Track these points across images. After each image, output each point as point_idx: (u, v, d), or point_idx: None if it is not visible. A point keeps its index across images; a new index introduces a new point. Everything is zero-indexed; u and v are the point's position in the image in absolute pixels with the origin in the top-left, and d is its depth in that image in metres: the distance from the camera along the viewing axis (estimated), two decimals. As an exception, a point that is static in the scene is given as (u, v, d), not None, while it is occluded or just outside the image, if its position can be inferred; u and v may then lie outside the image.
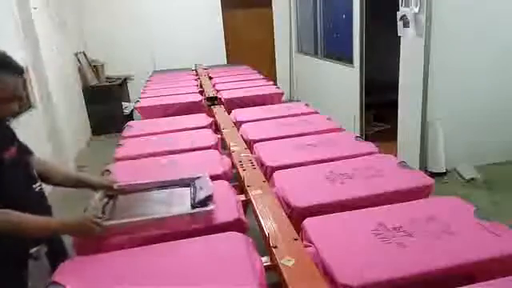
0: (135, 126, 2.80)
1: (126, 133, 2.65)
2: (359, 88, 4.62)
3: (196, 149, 2.23)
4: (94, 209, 1.45)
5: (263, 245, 1.39)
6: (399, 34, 3.71)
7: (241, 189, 1.83)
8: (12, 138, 1.45)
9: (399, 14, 3.64)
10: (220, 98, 3.48)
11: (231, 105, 3.31)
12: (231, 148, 2.26)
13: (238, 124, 2.74)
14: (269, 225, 1.42)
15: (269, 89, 3.81)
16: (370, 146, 2.13)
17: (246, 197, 1.71)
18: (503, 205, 3.14)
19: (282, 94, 3.72)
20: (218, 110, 3.23)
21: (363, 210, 1.48)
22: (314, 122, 2.65)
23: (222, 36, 6.87)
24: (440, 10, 3.36)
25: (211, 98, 3.48)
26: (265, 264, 1.25)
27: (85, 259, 1.27)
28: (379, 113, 5.18)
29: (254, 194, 1.67)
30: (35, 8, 4.09)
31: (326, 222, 1.40)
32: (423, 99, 3.58)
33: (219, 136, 2.50)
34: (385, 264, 1.15)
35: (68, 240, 1.42)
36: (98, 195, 1.56)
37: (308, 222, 1.39)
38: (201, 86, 4.13)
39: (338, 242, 1.28)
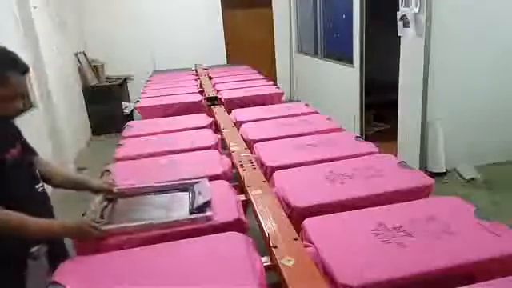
0: (135, 126, 2.80)
1: (125, 133, 2.65)
2: (359, 88, 4.62)
3: (196, 149, 2.23)
4: (93, 212, 1.45)
5: (263, 245, 1.39)
6: (399, 34, 3.71)
7: (241, 189, 1.83)
8: (17, 136, 1.46)
9: (399, 14, 3.64)
10: (220, 98, 3.48)
11: (231, 105, 3.31)
12: (231, 148, 2.26)
13: (238, 124, 2.74)
14: (269, 225, 1.42)
15: (269, 89, 3.81)
16: (369, 146, 2.13)
17: (246, 197, 1.71)
18: (503, 205, 3.14)
19: (282, 93, 3.73)
20: (218, 110, 3.23)
21: (363, 210, 1.48)
22: (314, 121, 2.65)
23: (221, 36, 6.87)
24: (440, 10, 3.36)
25: (211, 98, 3.47)
26: (265, 264, 1.25)
27: (85, 259, 1.27)
28: (379, 113, 5.17)
29: (253, 193, 1.67)
30: (35, 7, 4.09)
31: (326, 222, 1.40)
32: (423, 99, 3.58)
33: (219, 136, 2.50)
34: (385, 264, 1.15)
35: (68, 240, 1.42)
36: (97, 198, 1.56)
37: (308, 222, 1.39)
38: (201, 86, 4.13)
39: (338, 242, 1.28)
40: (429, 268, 1.13)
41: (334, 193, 1.61)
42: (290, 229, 1.39)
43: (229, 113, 3.09)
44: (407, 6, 3.52)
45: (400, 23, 3.65)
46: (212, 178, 1.76)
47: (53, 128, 4.26)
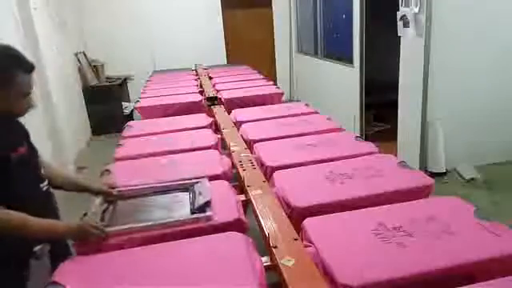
0: (135, 126, 2.80)
1: (125, 133, 2.65)
2: (359, 88, 4.62)
3: (196, 149, 2.23)
4: (93, 214, 1.46)
5: (263, 245, 1.39)
6: (399, 34, 3.71)
7: (241, 189, 1.83)
8: (23, 135, 1.46)
9: (399, 14, 3.64)
10: (220, 98, 3.48)
11: (231, 105, 3.31)
12: (231, 148, 2.26)
13: (238, 124, 2.74)
14: (269, 225, 1.42)
15: (269, 89, 3.81)
16: (370, 146, 2.13)
17: (246, 197, 1.72)
18: (503, 205, 3.14)
19: (282, 94, 3.73)
20: (218, 110, 3.23)
21: (363, 209, 1.48)
22: (314, 121, 2.65)
23: (221, 36, 6.87)
24: (440, 10, 3.36)
25: (211, 98, 3.47)
26: (265, 264, 1.25)
27: (85, 259, 1.27)
28: (379, 113, 5.17)
29: (253, 193, 1.67)
30: (35, 8, 4.09)
31: (326, 222, 1.40)
32: (423, 99, 3.58)
33: (219, 136, 2.50)
34: (385, 264, 1.15)
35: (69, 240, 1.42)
36: (97, 200, 1.56)
37: (308, 222, 1.39)
38: (201, 86, 4.13)
39: (338, 242, 1.28)
40: (429, 268, 1.13)
41: (333, 193, 1.61)
42: (290, 229, 1.39)
43: (229, 113, 3.09)
44: (407, 6, 3.52)
45: (400, 23, 3.65)
46: (212, 177, 1.76)
47: (53, 128, 4.26)
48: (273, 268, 1.26)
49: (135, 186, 1.72)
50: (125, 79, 6.48)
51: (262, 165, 2.00)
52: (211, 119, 2.88)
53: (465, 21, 3.48)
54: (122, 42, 6.41)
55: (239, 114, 2.93)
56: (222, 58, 6.83)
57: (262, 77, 4.52)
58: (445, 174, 3.70)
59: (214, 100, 3.45)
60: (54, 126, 4.29)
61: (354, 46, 4.64)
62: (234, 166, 2.04)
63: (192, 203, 1.53)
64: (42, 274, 1.34)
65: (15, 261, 1.35)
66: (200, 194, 1.55)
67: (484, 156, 3.79)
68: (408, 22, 3.54)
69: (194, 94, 3.66)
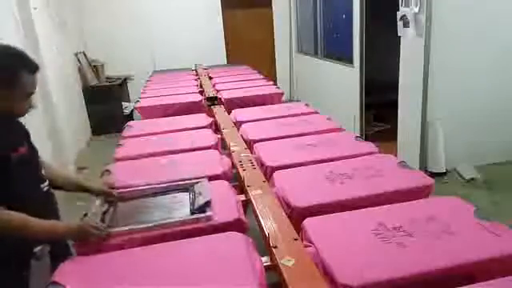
0: (135, 126, 2.80)
1: (125, 133, 2.65)
2: (359, 88, 4.62)
3: (196, 149, 2.23)
4: (93, 215, 1.45)
5: (263, 245, 1.39)
6: (399, 34, 3.71)
7: (241, 189, 1.83)
8: (23, 135, 1.46)
9: (399, 14, 3.64)
10: (220, 98, 3.48)
11: (231, 105, 3.31)
12: (231, 148, 2.26)
13: (238, 124, 2.74)
14: (269, 225, 1.42)
15: (269, 89, 3.81)
16: (369, 146, 2.12)
17: (246, 197, 1.71)
18: (503, 205, 3.14)
19: (282, 94, 3.72)
20: (218, 110, 3.23)
21: (363, 209, 1.48)
22: (314, 122, 2.65)
23: (221, 36, 6.87)
24: (440, 10, 3.36)
25: (211, 97, 3.47)
26: (265, 264, 1.25)
27: (85, 259, 1.27)
28: (379, 113, 5.18)
29: (253, 193, 1.67)
30: (35, 8, 4.09)
31: (326, 222, 1.40)
32: (423, 99, 3.58)
33: (219, 136, 2.50)
34: (385, 264, 1.15)
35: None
36: (97, 201, 1.56)
37: (308, 222, 1.39)
38: (201, 86, 4.13)
39: (338, 242, 1.28)
40: (429, 268, 1.13)
41: (333, 193, 1.61)
42: (290, 229, 1.39)
43: (229, 113, 3.09)
44: (407, 6, 3.52)
45: (400, 23, 3.65)
46: (212, 177, 1.76)
47: (53, 128, 4.26)
48: (273, 268, 1.26)
49: (135, 186, 1.72)
50: (125, 79, 6.48)
51: (261, 165, 2.00)
52: (211, 119, 2.88)
53: (465, 21, 3.48)
54: (122, 42, 6.41)
55: (239, 113, 2.93)
56: (222, 58, 6.83)
57: (261, 77, 4.52)
58: (445, 174, 3.70)
59: (214, 100, 3.45)
60: (54, 126, 4.29)
61: (353, 46, 4.64)
62: (234, 165, 2.04)
63: (192, 203, 1.53)
64: (42, 275, 1.34)
65: (16, 261, 1.35)
66: (200, 194, 1.55)
67: (484, 156, 3.79)
68: (408, 22, 3.54)
69: (194, 94, 3.66)
